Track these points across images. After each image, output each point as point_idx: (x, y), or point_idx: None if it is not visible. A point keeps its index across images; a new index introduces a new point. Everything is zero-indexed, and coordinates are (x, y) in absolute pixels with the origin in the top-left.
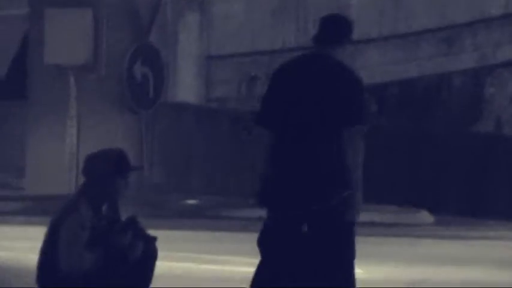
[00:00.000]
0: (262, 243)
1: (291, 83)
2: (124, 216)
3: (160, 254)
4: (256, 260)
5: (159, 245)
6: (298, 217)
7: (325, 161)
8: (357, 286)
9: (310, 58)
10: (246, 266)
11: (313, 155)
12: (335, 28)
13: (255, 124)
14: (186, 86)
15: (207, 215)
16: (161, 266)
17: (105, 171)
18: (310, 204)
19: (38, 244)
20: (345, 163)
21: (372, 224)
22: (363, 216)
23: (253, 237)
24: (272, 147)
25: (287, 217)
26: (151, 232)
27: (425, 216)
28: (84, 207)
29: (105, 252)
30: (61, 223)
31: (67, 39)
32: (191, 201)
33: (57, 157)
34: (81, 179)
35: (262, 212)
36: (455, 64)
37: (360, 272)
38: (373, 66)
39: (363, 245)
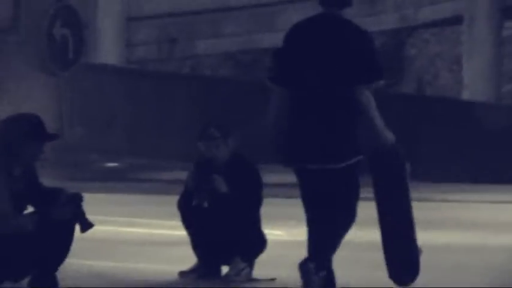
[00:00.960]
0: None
1: (306, 43)
2: (46, 180)
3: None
4: (172, 223)
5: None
6: (314, 172)
7: (343, 120)
8: (279, 247)
9: (324, 18)
10: (169, 228)
11: (332, 114)
12: None
13: (270, 82)
14: (106, 48)
15: (129, 178)
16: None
17: (18, 136)
18: (328, 162)
19: None
20: (358, 125)
21: (294, 185)
22: (286, 178)
23: (175, 199)
24: (289, 105)
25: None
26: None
27: None
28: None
29: (35, 218)
30: None
31: None
32: (113, 164)
33: None
34: None
35: (183, 175)
36: (377, 24)
37: (280, 233)
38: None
39: (284, 207)
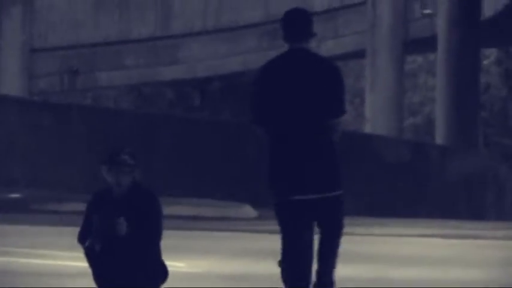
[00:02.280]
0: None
1: (282, 80)
2: None
3: None
4: (74, 254)
5: None
6: (311, 202)
7: (327, 152)
8: (181, 279)
9: (295, 54)
10: (71, 259)
11: (318, 147)
12: (307, 22)
13: (253, 123)
14: (9, 79)
15: (31, 209)
16: None
17: None
18: (324, 191)
19: None
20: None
21: (196, 217)
22: (188, 210)
23: (75, 230)
24: (271, 142)
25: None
26: None
27: (249, 211)
28: None
29: None
30: None
31: None
32: (14, 195)
33: None
34: None
35: (83, 206)
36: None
37: (181, 265)
38: (196, 60)
39: (186, 239)
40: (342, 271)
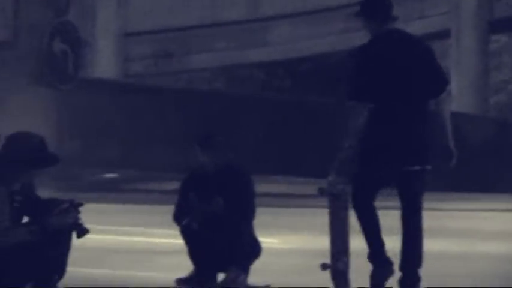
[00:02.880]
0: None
1: (380, 60)
2: (42, 191)
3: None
4: (167, 232)
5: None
6: (409, 173)
7: (424, 129)
8: (273, 255)
9: (391, 34)
10: (165, 237)
11: (414, 124)
12: (390, 4)
13: (351, 99)
14: (104, 62)
15: (125, 188)
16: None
17: (22, 161)
18: (413, 164)
19: None
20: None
21: (288, 195)
22: (279, 188)
23: (168, 209)
24: (370, 119)
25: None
26: None
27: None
28: None
29: (33, 228)
30: None
31: None
32: (109, 175)
33: None
34: None
35: (175, 185)
36: (366, 39)
37: (274, 241)
38: (286, 42)
39: (278, 216)
40: (429, 246)
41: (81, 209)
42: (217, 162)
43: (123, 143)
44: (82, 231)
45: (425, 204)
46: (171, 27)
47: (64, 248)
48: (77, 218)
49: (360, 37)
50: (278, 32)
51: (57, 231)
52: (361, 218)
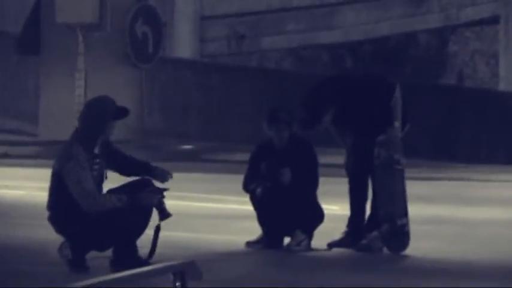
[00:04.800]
0: None
1: None
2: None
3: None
4: (240, 199)
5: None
6: None
7: None
8: (335, 220)
9: None
10: (237, 203)
11: None
12: None
13: None
14: (182, 43)
15: (202, 159)
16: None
17: (97, 113)
18: None
19: (47, 184)
20: None
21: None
22: (340, 159)
23: (240, 178)
24: None
25: None
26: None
27: None
28: (80, 149)
29: (124, 199)
30: (62, 166)
31: (75, 1)
32: (187, 146)
33: (66, 106)
34: None
35: (247, 156)
36: (423, 24)
37: (336, 208)
38: (349, 26)
39: (339, 184)
40: (479, 214)
41: (165, 193)
42: (282, 135)
43: (199, 117)
44: (165, 215)
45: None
46: (243, 12)
47: (144, 223)
48: (162, 202)
49: (415, 22)
50: (342, 16)
51: (141, 208)
52: None
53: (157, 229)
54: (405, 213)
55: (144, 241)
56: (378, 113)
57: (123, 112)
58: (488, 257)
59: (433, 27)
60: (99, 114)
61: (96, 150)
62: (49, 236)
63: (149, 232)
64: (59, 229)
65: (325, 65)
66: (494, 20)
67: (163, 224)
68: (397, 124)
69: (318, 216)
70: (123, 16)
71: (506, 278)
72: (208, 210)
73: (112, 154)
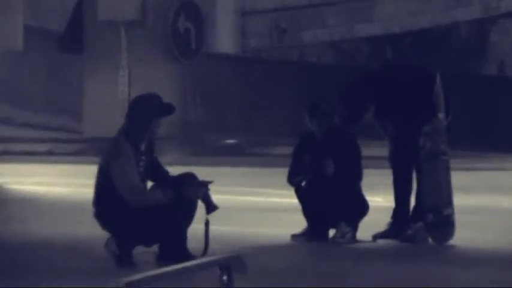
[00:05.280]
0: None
1: None
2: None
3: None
4: (284, 192)
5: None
6: None
7: None
8: (379, 212)
9: None
10: (282, 197)
11: None
12: None
13: None
14: (224, 39)
15: (246, 153)
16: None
17: (144, 110)
18: None
19: (92, 181)
20: None
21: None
22: (384, 151)
23: (284, 171)
24: None
25: None
26: (196, 168)
27: None
28: (127, 145)
29: (169, 194)
30: (109, 163)
31: None
32: (231, 141)
33: (110, 103)
34: None
35: (290, 150)
36: (464, 15)
37: (379, 200)
38: (389, 18)
39: (382, 176)
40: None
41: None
42: (324, 128)
43: (241, 111)
44: (212, 208)
45: None
46: (284, 6)
47: (190, 217)
48: (208, 195)
49: (455, 13)
50: (382, 9)
51: (187, 201)
52: None
53: (207, 223)
54: (450, 203)
55: (191, 235)
56: (421, 104)
57: (169, 109)
58: None
59: (473, 18)
60: (146, 111)
61: (142, 147)
62: (95, 232)
63: (195, 226)
64: (105, 225)
65: (365, 58)
66: None
67: (210, 217)
68: (441, 115)
69: (362, 208)
70: (166, 12)
71: None
72: (253, 204)
73: (152, 163)
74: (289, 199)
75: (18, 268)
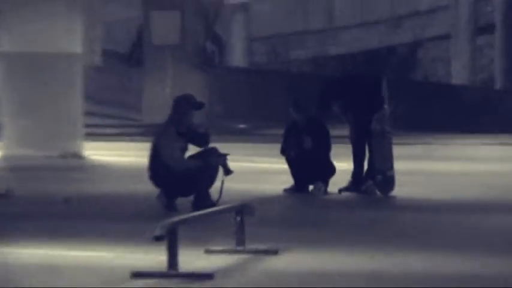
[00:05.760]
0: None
1: None
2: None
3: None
4: (279, 160)
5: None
6: None
7: None
8: (344, 174)
9: None
10: (276, 163)
11: None
12: None
13: None
14: (237, 57)
15: (254, 133)
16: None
17: (187, 107)
18: None
19: (147, 153)
20: None
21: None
22: (345, 132)
23: (277, 146)
24: None
25: None
26: (218, 144)
27: None
28: (172, 129)
29: (199, 163)
30: (159, 141)
31: (166, 29)
32: (242, 125)
33: (160, 100)
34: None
35: (281, 131)
36: (400, 39)
37: (343, 164)
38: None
39: (345, 149)
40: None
41: (228, 156)
42: (303, 116)
43: (249, 106)
44: (228, 172)
45: None
46: (278, 34)
47: (213, 178)
48: (226, 163)
49: (394, 38)
50: (344, 36)
51: (212, 167)
52: None
53: (223, 182)
54: (392, 167)
55: (213, 190)
56: (372, 100)
57: (200, 104)
58: (450, 197)
59: (406, 41)
60: (184, 105)
61: (183, 130)
62: (150, 189)
63: (217, 184)
64: (156, 184)
65: (333, 70)
66: None
67: (227, 178)
68: (386, 106)
69: (332, 170)
70: (198, 38)
71: (459, 209)
72: (256, 168)
73: (192, 133)
74: (281, 165)
75: (101, 212)
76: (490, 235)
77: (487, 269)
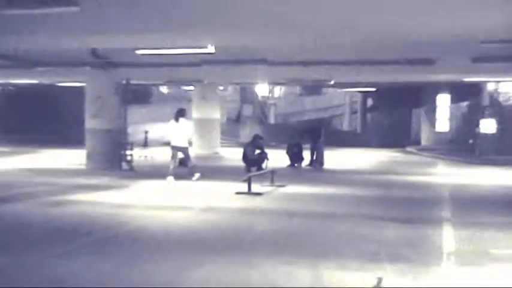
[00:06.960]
0: None
1: None
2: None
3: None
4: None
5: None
6: None
7: None
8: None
9: None
10: (281, 153)
11: None
12: None
13: None
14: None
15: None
16: None
17: (256, 138)
18: None
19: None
20: None
21: None
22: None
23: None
24: None
25: None
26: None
27: None
28: (250, 145)
29: (259, 156)
30: (246, 147)
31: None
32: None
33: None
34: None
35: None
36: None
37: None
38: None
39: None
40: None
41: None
42: (295, 139)
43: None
44: (267, 159)
45: None
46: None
47: (262, 161)
48: (267, 157)
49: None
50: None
51: (263, 158)
52: None
53: (267, 163)
54: (323, 158)
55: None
56: (318, 134)
57: (259, 140)
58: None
59: None
60: (256, 137)
61: (255, 145)
62: (239, 164)
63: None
64: (244, 162)
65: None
66: None
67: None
68: (322, 137)
69: (303, 158)
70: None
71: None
72: (273, 156)
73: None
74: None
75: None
76: None
77: None
